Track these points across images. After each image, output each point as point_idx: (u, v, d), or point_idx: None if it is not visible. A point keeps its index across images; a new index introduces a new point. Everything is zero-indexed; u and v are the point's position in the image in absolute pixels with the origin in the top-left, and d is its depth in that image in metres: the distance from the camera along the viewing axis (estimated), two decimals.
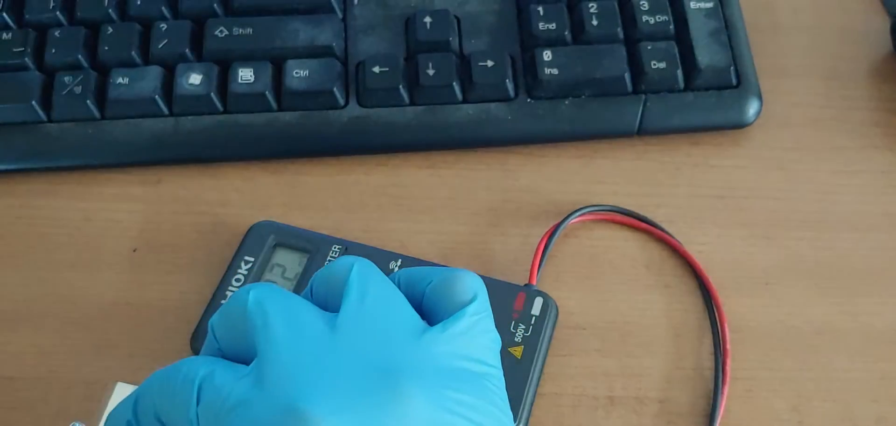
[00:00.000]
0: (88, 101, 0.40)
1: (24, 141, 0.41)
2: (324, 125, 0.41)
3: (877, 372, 0.36)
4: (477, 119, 0.41)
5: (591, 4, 0.43)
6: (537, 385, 0.34)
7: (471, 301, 0.24)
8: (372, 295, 0.24)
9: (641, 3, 0.43)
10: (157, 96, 0.41)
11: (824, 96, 0.44)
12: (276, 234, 0.38)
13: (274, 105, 0.41)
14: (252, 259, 0.37)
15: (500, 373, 0.25)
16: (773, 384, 0.36)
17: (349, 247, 0.37)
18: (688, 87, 0.42)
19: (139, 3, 0.43)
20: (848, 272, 0.39)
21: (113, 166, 0.41)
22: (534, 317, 0.35)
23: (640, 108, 0.41)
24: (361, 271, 0.24)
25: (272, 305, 0.23)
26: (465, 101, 0.41)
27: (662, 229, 0.39)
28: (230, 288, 0.37)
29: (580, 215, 0.39)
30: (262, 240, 0.38)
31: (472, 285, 0.25)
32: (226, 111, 0.41)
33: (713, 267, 0.38)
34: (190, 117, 0.41)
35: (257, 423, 0.21)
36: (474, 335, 0.24)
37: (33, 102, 0.40)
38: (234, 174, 0.41)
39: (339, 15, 0.44)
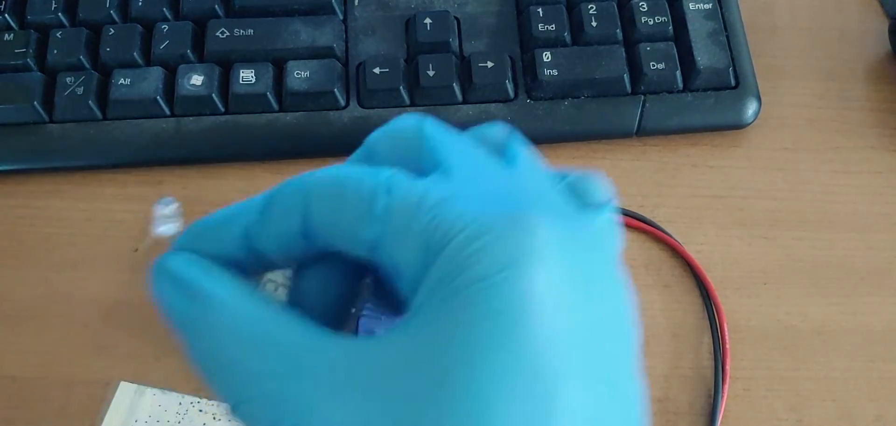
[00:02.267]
0: (90, 102, 0.41)
1: (25, 141, 0.41)
2: (324, 126, 0.41)
3: (875, 371, 0.36)
4: (477, 119, 0.41)
5: (590, 6, 0.43)
6: None
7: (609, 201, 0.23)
8: (538, 166, 0.22)
9: (640, 4, 0.43)
10: (158, 97, 0.41)
11: (822, 97, 0.44)
12: None
13: (275, 106, 0.41)
14: None
15: None
16: (771, 383, 0.36)
17: None
18: (686, 87, 0.42)
19: (141, 4, 0.43)
20: (846, 272, 0.39)
21: (114, 167, 0.41)
22: None
23: (639, 108, 0.41)
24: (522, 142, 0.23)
25: (453, 133, 0.21)
26: (465, 101, 0.42)
27: (661, 229, 0.39)
28: None
29: None
30: None
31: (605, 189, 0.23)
32: (227, 112, 0.41)
33: (712, 267, 0.39)
34: (191, 118, 0.41)
35: (469, 215, 0.18)
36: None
37: (35, 103, 0.40)
38: (234, 175, 0.42)
39: (340, 16, 0.44)
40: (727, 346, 0.36)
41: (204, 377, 0.19)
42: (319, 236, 0.20)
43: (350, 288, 0.22)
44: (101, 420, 0.34)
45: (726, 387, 0.35)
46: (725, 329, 0.37)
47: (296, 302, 0.21)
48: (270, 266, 0.22)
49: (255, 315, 0.19)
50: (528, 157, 0.22)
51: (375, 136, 0.22)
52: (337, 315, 0.21)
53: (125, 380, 0.36)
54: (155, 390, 0.36)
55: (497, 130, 0.23)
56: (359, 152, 0.22)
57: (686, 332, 0.37)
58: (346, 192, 0.20)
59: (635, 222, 0.40)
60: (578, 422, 0.18)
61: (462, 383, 0.17)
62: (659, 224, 0.40)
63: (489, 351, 0.17)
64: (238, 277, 0.20)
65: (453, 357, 0.17)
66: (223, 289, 0.19)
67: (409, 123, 0.21)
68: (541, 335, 0.18)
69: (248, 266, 0.21)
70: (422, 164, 0.21)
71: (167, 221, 0.21)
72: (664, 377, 0.36)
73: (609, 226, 0.22)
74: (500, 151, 0.22)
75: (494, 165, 0.21)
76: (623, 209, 0.40)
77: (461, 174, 0.20)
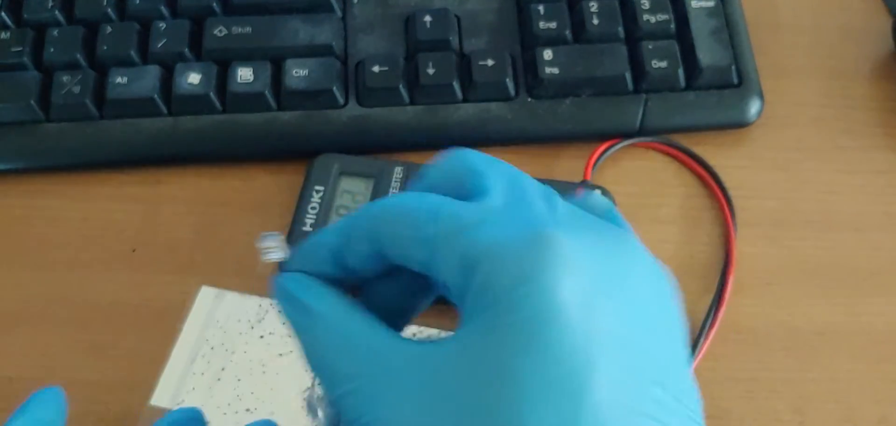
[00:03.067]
0: (87, 101, 0.40)
1: (22, 141, 0.40)
2: (323, 125, 0.41)
3: (879, 372, 0.36)
4: (477, 118, 0.41)
5: (591, 3, 0.42)
6: None
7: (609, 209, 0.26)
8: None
9: (642, 1, 0.43)
10: (155, 96, 0.40)
11: (826, 96, 0.44)
12: (340, 164, 0.40)
13: (273, 104, 0.41)
14: (321, 188, 0.39)
15: None
16: (774, 385, 0.36)
17: (410, 170, 0.39)
18: (689, 86, 0.41)
19: (138, 2, 0.43)
20: (850, 272, 0.38)
21: (111, 166, 0.41)
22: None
23: (642, 107, 0.41)
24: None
25: (499, 164, 0.25)
26: (465, 100, 0.41)
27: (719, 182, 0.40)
28: (307, 215, 0.38)
29: (632, 142, 0.41)
30: (327, 170, 0.39)
31: (605, 201, 0.26)
32: (225, 111, 0.41)
33: (713, 267, 0.38)
34: (189, 117, 0.41)
35: (498, 237, 0.21)
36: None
37: (32, 102, 0.40)
38: (232, 174, 0.41)
39: (339, 14, 0.44)
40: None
41: (314, 373, 0.24)
42: (389, 256, 0.24)
43: (412, 298, 0.25)
44: (184, 322, 0.34)
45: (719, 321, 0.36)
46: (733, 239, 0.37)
47: (367, 306, 0.25)
48: (362, 280, 0.25)
49: (347, 325, 0.23)
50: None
51: (429, 168, 0.26)
52: (398, 320, 0.24)
53: (122, 380, 0.36)
54: (235, 294, 0.37)
55: (511, 174, 0.25)
56: (419, 183, 0.26)
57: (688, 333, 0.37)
58: (403, 217, 0.23)
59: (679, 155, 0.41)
60: (614, 408, 0.20)
61: (500, 386, 0.20)
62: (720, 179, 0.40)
63: (519, 355, 0.20)
64: (336, 291, 0.24)
65: (490, 364, 0.20)
66: (322, 304, 0.24)
67: (455, 154, 0.25)
68: (567, 334, 0.20)
69: (345, 280, 0.25)
70: (469, 190, 0.24)
71: (274, 251, 0.26)
72: None
73: (630, 232, 0.25)
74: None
75: (531, 189, 0.24)
76: (678, 144, 0.41)
77: (498, 199, 0.23)
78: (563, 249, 0.21)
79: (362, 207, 0.25)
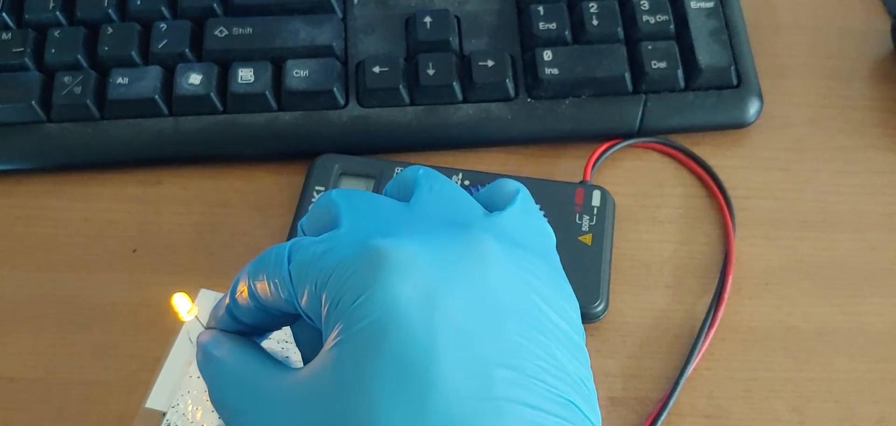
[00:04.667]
0: (88, 102, 0.40)
1: (23, 141, 0.40)
2: (324, 125, 0.41)
3: (878, 372, 0.36)
4: (477, 119, 0.41)
5: (591, 4, 0.43)
6: (610, 266, 0.37)
7: (516, 193, 0.27)
8: (439, 186, 0.26)
9: (642, 2, 0.43)
10: (156, 96, 0.41)
11: (825, 96, 0.44)
12: (341, 164, 0.40)
13: (274, 105, 0.41)
14: (322, 188, 0.39)
15: (559, 261, 0.26)
16: (773, 385, 0.36)
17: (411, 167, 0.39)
18: (688, 86, 0.42)
19: (139, 2, 0.43)
20: (849, 272, 0.39)
21: (112, 166, 0.41)
22: (595, 208, 0.38)
23: (641, 107, 0.41)
24: (429, 171, 0.27)
25: (354, 193, 0.26)
26: (465, 100, 0.41)
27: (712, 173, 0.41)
28: None
29: (631, 142, 0.42)
30: (328, 171, 0.40)
31: (515, 184, 0.27)
32: (225, 111, 0.41)
33: (713, 267, 0.38)
34: (190, 117, 0.41)
35: (339, 260, 0.23)
36: (530, 220, 0.26)
37: (33, 102, 0.40)
38: (233, 174, 0.41)
39: (339, 15, 0.44)
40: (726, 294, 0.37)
41: (216, 410, 0.26)
42: (264, 305, 0.25)
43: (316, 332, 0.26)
44: (182, 324, 0.35)
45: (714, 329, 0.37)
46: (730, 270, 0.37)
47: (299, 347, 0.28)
48: (265, 330, 0.27)
49: (239, 367, 0.25)
50: (433, 188, 0.26)
51: (303, 220, 0.27)
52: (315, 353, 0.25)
53: (123, 380, 0.36)
54: None
55: (409, 172, 0.27)
56: (298, 234, 0.28)
57: (688, 334, 0.37)
58: (263, 266, 0.25)
59: (698, 168, 0.41)
60: (461, 393, 0.21)
61: (352, 394, 0.21)
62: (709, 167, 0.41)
63: (365, 361, 0.21)
64: (238, 339, 0.26)
65: (343, 375, 0.21)
66: (221, 351, 0.26)
67: (324, 198, 0.27)
68: (407, 333, 0.21)
69: (252, 332, 0.27)
70: (327, 225, 0.25)
71: (185, 312, 0.30)
72: (667, 378, 0.36)
73: (525, 209, 0.26)
74: (412, 190, 0.26)
75: (386, 209, 0.26)
76: (675, 143, 0.40)
77: (347, 225, 0.25)
78: (395, 256, 0.22)
79: (242, 269, 0.27)
